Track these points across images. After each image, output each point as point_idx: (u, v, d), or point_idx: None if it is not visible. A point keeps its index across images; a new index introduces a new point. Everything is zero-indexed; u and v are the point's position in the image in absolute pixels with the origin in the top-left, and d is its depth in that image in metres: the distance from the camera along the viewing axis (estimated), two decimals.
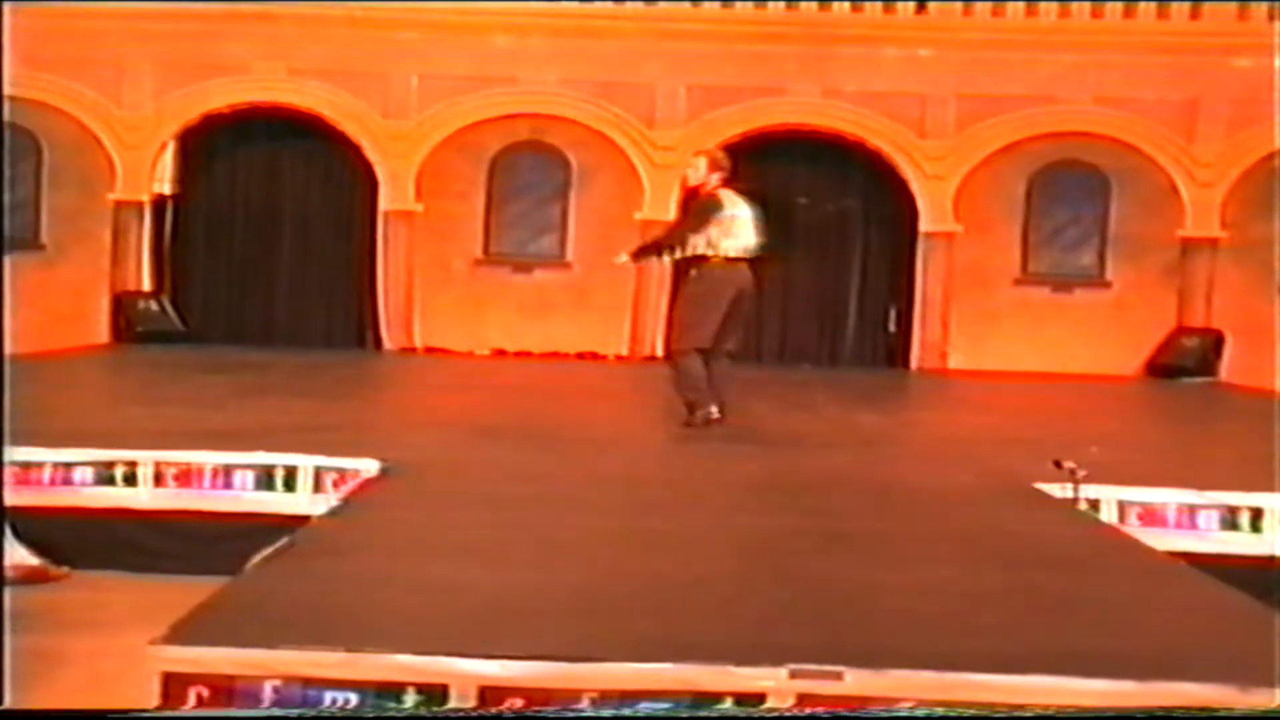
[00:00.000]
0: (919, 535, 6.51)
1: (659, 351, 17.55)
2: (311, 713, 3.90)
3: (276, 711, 3.88)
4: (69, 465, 7.70)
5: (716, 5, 17.45)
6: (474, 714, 3.92)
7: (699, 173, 10.08)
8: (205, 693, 3.86)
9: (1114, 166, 17.70)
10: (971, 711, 3.90)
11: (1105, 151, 17.56)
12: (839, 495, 7.53)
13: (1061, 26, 17.22)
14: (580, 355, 17.68)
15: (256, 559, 5.44)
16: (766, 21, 17.35)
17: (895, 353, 18.20)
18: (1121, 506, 7.54)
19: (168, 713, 3.87)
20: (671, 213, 17.22)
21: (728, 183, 9.96)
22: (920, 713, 3.91)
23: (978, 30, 17.22)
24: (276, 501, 7.63)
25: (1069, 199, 17.90)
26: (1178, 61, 17.01)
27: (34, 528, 7.31)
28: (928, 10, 17.40)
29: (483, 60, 17.54)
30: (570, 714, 3.91)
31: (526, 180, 18.16)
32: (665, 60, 17.40)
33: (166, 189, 18.08)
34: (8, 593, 4.94)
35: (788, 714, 3.92)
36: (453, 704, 3.91)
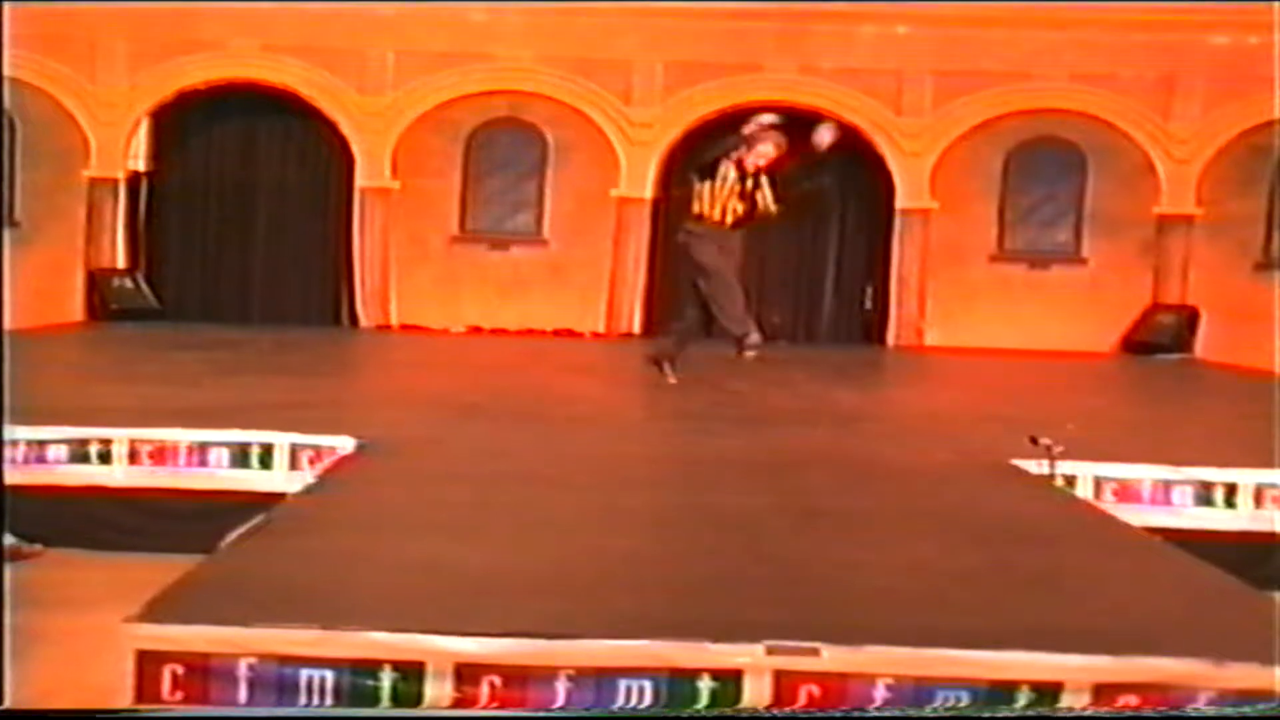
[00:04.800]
0: (896, 512, 6.51)
1: (636, 328, 17.61)
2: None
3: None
4: (43, 443, 7.67)
5: None
6: (459, 715, 3.92)
7: None
8: (180, 670, 3.85)
9: (1090, 143, 17.74)
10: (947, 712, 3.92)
11: (1082, 128, 17.59)
12: (816, 472, 7.53)
13: (1038, 4, 17.20)
14: (557, 332, 17.68)
15: (232, 537, 5.40)
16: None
17: (872, 329, 18.24)
18: (1097, 482, 7.56)
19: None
20: (648, 190, 17.34)
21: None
22: (891, 713, 3.91)
23: (954, 7, 17.17)
24: (252, 479, 7.60)
25: (1045, 176, 17.94)
26: (1154, 38, 17.03)
27: (7, 506, 7.26)
28: None
29: (459, 37, 17.49)
30: (557, 714, 3.91)
31: (503, 157, 18.13)
32: (642, 37, 17.37)
33: (141, 166, 18.03)
34: None
35: (765, 714, 3.92)
36: (429, 681, 3.90)
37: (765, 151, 10.47)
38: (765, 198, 10.52)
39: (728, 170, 10.45)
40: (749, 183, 10.46)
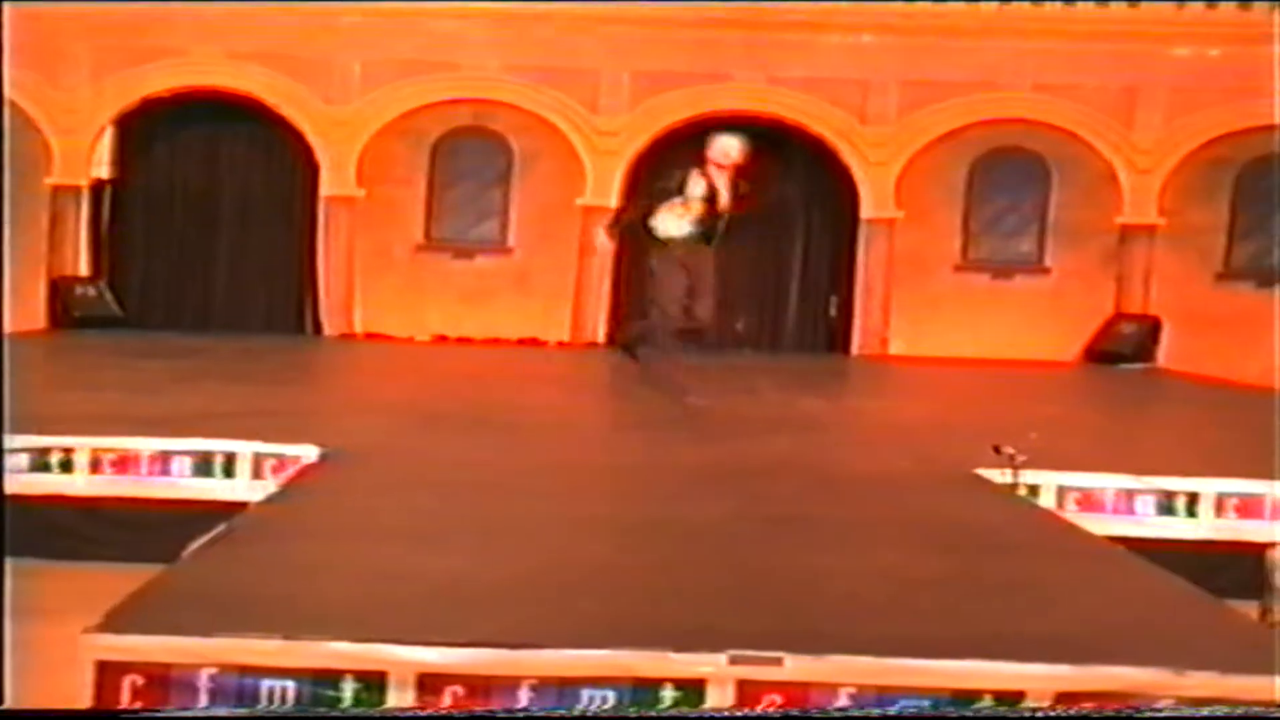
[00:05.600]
0: (860, 520, 6.53)
1: (600, 337, 17.60)
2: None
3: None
4: (3, 451, 7.61)
5: None
6: (437, 714, 3.91)
7: None
8: (140, 681, 3.83)
9: (1054, 153, 17.82)
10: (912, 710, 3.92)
11: (1045, 138, 17.66)
12: (781, 481, 7.54)
13: (1002, 13, 17.29)
14: (522, 341, 17.65)
15: (194, 546, 5.38)
16: (709, 8, 17.32)
17: (836, 338, 18.27)
18: (1060, 491, 7.61)
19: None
20: (614, 199, 17.25)
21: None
22: (858, 713, 3.92)
23: (919, 17, 17.26)
24: (215, 488, 7.58)
25: (1009, 185, 18.01)
26: (1116, 49, 17.12)
27: None
28: None
29: (425, 45, 17.46)
30: (520, 714, 3.90)
31: (468, 166, 18.12)
32: (608, 46, 17.37)
33: (104, 173, 17.93)
34: None
35: (732, 713, 3.92)
36: (391, 691, 3.89)
37: (727, 148, 10.19)
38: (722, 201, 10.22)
39: (694, 183, 10.12)
40: (724, 191, 10.16)
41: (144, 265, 18.25)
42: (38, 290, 17.33)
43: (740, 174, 10.28)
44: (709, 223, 10.19)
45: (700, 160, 10.29)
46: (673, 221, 10.10)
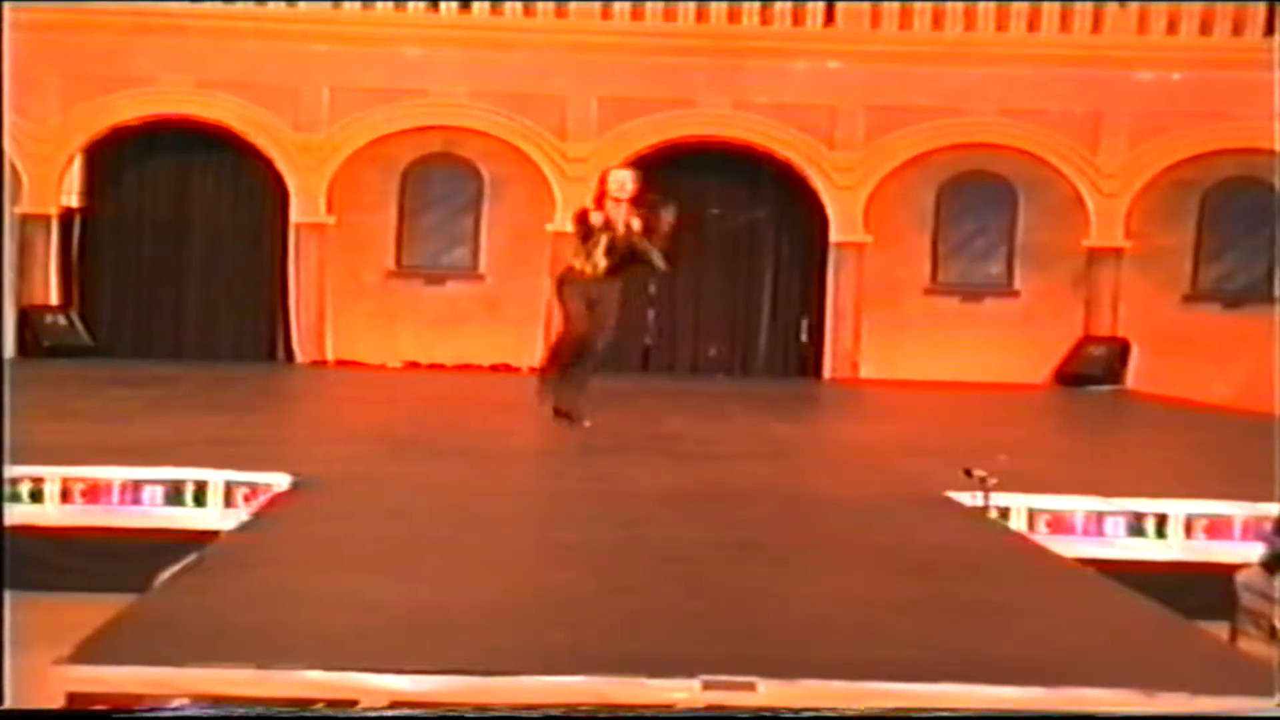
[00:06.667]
0: (832, 545, 6.53)
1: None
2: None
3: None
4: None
5: (627, 18, 17.48)
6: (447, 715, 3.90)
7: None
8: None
9: (1021, 177, 17.92)
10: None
11: (1012, 162, 17.77)
12: (752, 506, 7.55)
13: (967, 39, 17.41)
14: (493, 367, 17.65)
15: (165, 575, 5.37)
16: (677, 34, 17.41)
17: (807, 363, 18.31)
18: (1030, 514, 7.63)
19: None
20: None
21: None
22: (832, 716, 3.92)
23: (885, 43, 17.38)
24: (186, 517, 7.55)
25: (977, 209, 18.09)
26: (1080, 74, 17.26)
27: None
28: (835, 23, 17.53)
29: (394, 73, 17.50)
30: (491, 714, 3.90)
31: (439, 192, 18.13)
32: (576, 72, 17.43)
33: (74, 202, 17.89)
34: None
35: (701, 713, 3.92)
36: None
37: (622, 180, 10.35)
38: (639, 241, 10.30)
39: (594, 217, 10.23)
40: (620, 223, 10.20)
41: (114, 293, 18.21)
42: (7, 319, 17.25)
43: (637, 204, 10.34)
44: (614, 254, 10.25)
45: (599, 195, 10.37)
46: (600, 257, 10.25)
